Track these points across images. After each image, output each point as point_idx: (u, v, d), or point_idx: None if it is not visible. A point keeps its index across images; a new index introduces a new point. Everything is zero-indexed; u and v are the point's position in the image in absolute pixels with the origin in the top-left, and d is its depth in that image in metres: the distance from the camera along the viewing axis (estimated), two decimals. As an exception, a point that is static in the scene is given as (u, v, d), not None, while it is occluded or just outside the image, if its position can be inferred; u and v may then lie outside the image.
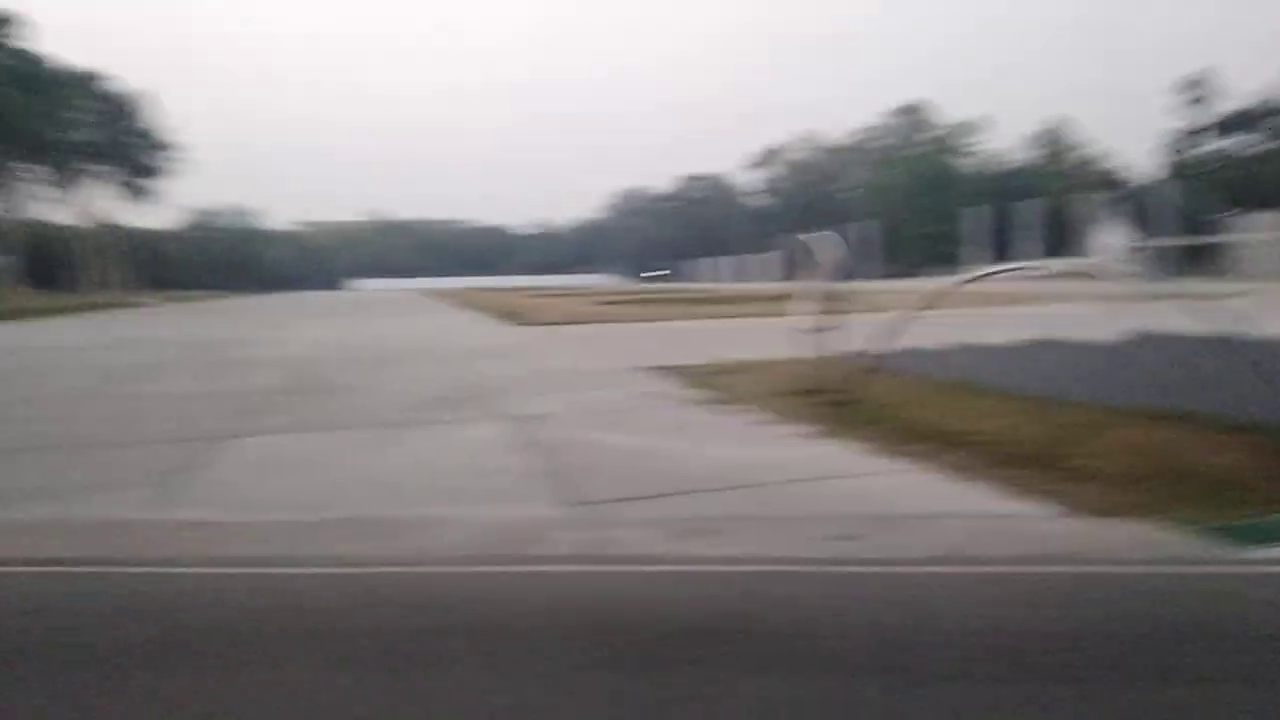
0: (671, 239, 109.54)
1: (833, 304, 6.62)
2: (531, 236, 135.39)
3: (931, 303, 7.08)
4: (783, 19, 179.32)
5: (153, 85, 75.96)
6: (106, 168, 58.38)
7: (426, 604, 2.79)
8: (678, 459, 4.77)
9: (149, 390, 9.02)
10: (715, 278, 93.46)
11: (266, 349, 14.42)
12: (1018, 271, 7.44)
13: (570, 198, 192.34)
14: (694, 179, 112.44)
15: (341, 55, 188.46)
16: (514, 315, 22.51)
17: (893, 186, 79.84)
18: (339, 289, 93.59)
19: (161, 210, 72.37)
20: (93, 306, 41.16)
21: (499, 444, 5.39)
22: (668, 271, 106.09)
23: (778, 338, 13.43)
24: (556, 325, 17.90)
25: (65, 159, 53.31)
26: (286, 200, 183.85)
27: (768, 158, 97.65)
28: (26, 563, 3.38)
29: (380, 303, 40.96)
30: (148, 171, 61.69)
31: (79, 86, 52.06)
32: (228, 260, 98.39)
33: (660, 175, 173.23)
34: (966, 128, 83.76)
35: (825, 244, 6.40)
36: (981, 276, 7.10)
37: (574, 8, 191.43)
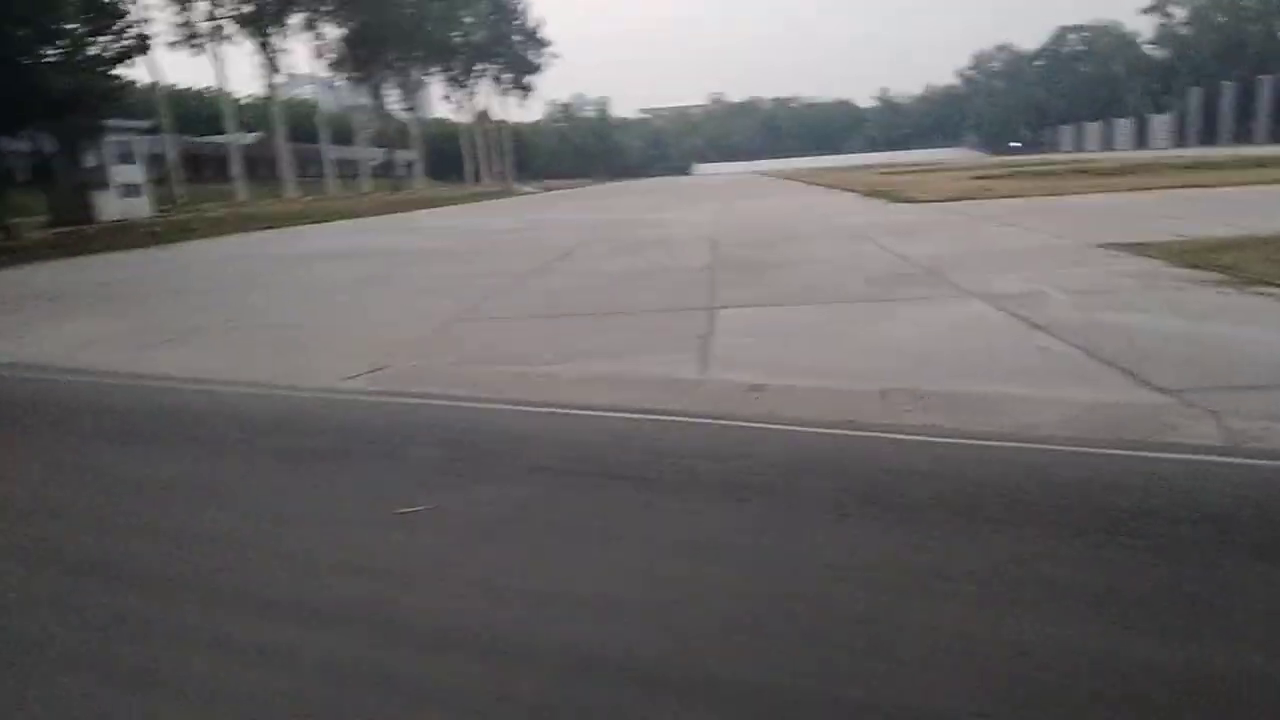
0: (1040, 103, 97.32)
1: None
2: (876, 109, 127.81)
3: None
4: None
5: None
6: (493, 66, 64.93)
7: (1112, 484, 2.68)
8: (1243, 346, 4.18)
9: (603, 268, 9.91)
10: (1093, 145, 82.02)
11: (667, 229, 15.26)
12: None
13: (919, 63, 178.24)
14: (1070, 30, 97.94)
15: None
16: (886, 194, 21.53)
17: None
18: (687, 174, 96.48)
19: (529, 103, 79.23)
20: (487, 195, 46.69)
21: (999, 322, 5.14)
22: (1019, 145, 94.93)
23: (1245, 210, 11.44)
24: (940, 203, 16.77)
25: (461, 61, 60.07)
26: (633, 88, 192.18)
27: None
28: (642, 410, 3.80)
29: (735, 186, 41.49)
30: (527, 68, 67.70)
31: (473, -8, 58.00)
32: (584, 149, 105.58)
33: (1025, 30, 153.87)
34: None
35: None
36: None
37: None
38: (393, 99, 55.82)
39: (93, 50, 21.57)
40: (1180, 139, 72.03)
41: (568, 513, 2.74)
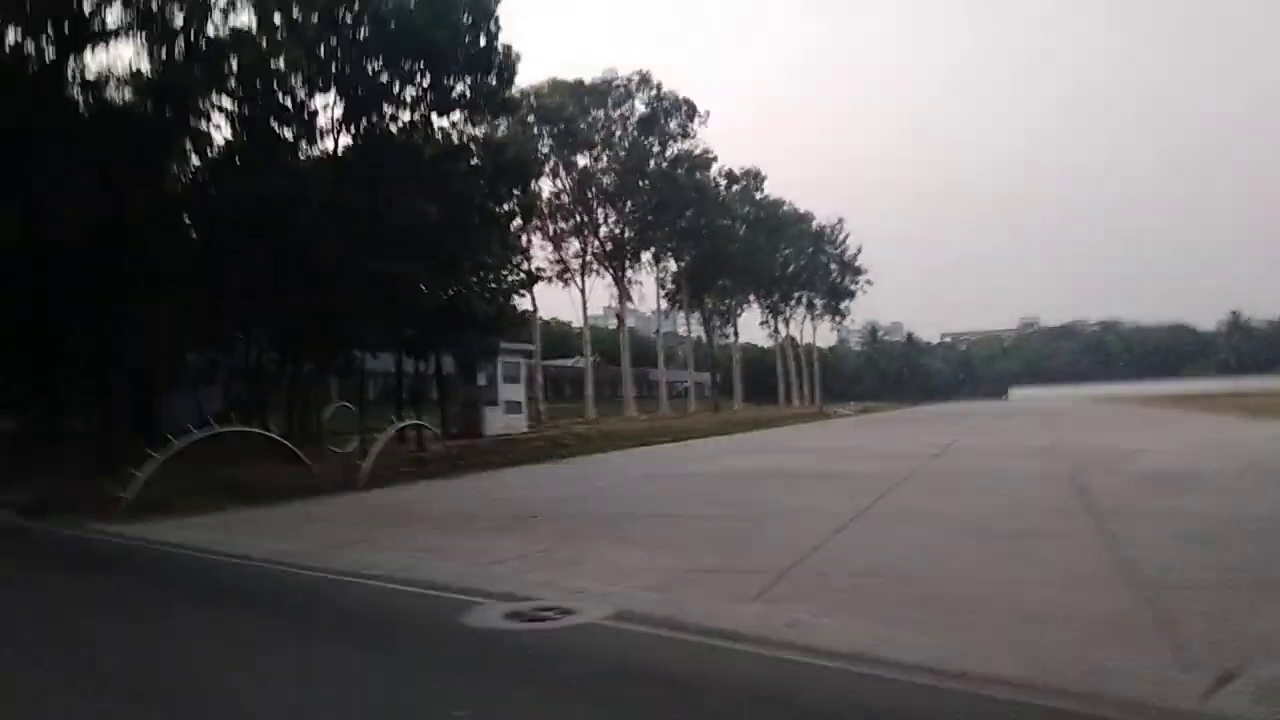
0: None
1: None
2: (1223, 334, 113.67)
3: None
4: None
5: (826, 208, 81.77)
6: (806, 294, 66.44)
7: None
8: None
9: (1167, 534, 7.78)
10: None
11: (1141, 464, 12.59)
12: None
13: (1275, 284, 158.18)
14: None
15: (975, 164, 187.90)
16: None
17: None
18: (1002, 398, 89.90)
19: (840, 328, 79.72)
20: (808, 416, 45.83)
21: None
22: None
23: None
24: None
25: (779, 289, 62.11)
26: (929, 312, 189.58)
27: None
28: None
29: (1085, 414, 36.44)
30: (842, 294, 68.60)
31: (796, 225, 60.48)
32: (888, 372, 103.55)
33: None
34: None
35: None
36: None
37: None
38: (715, 325, 58.27)
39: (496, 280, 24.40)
40: None
41: None
